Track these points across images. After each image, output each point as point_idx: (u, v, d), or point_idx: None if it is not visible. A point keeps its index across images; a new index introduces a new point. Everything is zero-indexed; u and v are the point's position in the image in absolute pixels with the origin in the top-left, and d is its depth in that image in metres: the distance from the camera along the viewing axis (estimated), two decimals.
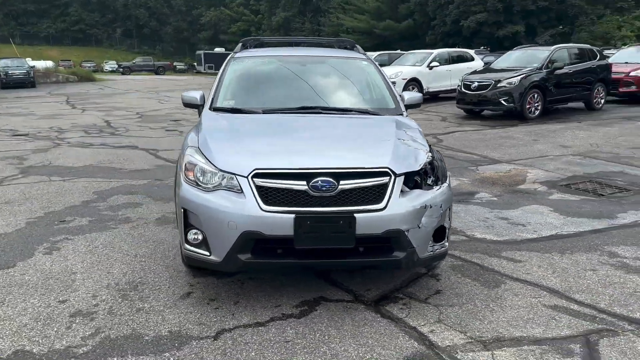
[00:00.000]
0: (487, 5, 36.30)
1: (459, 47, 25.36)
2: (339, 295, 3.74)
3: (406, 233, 3.35)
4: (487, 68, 15.30)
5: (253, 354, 2.98)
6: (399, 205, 3.35)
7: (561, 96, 14.00)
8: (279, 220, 3.25)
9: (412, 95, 4.91)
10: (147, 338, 3.15)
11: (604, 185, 6.96)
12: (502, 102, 13.16)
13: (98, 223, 5.37)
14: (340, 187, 3.31)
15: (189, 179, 3.55)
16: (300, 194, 3.30)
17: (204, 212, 3.38)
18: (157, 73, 54.95)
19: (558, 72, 13.68)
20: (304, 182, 3.29)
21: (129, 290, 3.79)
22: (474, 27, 37.26)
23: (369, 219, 3.28)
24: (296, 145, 3.72)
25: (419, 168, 3.57)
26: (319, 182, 3.29)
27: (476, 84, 13.56)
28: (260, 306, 3.56)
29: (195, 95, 4.85)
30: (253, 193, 3.30)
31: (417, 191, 3.49)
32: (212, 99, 4.61)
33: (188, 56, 72.39)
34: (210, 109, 4.49)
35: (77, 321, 3.35)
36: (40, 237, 4.96)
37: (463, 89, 13.94)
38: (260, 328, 3.27)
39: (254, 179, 3.33)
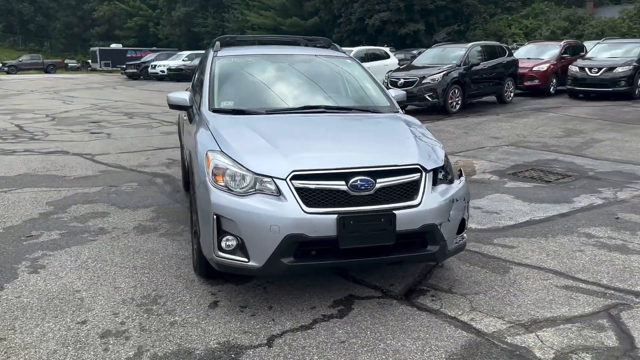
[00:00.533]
0: (389, 4, 37.61)
1: (364, 45, 26.16)
2: (367, 292, 3.78)
3: (439, 227, 3.47)
4: (409, 65, 15.93)
5: (316, 357, 2.96)
6: (432, 200, 3.46)
7: (478, 91, 14.94)
8: (322, 221, 3.23)
9: (398, 93, 5.04)
10: (198, 352, 3.01)
11: (546, 173, 7.56)
12: (427, 97, 13.78)
13: (72, 236, 4.98)
14: (377, 185, 3.35)
15: (218, 184, 3.42)
16: (341, 194, 3.30)
17: (241, 218, 3.28)
18: (47, 72, 51.08)
19: (475, 68, 14.58)
20: (343, 182, 3.30)
21: (149, 305, 3.57)
22: (378, 25, 38.48)
23: (407, 216, 3.36)
24: (324, 145, 3.71)
25: (443, 164, 3.71)
26: (358, 181, 3.32)
27: (402, 80, 14.07)
28: (296, 309, 3.51)
29: (183, 96, 4.66)
30: (294, 195, 3.26)
31: (442, 186, 3.62)
32: (209, 100, 4.44)
33: (81, 53, 68.02)
34: (210, 110, 4.32)
35: (112, 342, 3.11)
36: (14, 254, 4.51)
37: (390, 86, 14.41)
38: (308, 331, 3.24)
39: (293, 181, 3.28)
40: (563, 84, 17.13)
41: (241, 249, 3.34)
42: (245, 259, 3.33)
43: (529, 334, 3.20)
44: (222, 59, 4.98)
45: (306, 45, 5.82)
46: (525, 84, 17.22)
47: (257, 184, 3.34)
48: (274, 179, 3.31)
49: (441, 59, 15.04)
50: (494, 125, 11.94)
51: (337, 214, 3.25)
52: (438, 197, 3.50)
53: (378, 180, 3.36)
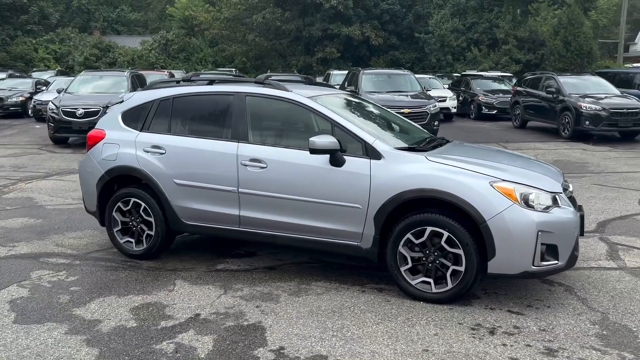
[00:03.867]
0: None
1: None
2: None
3: None
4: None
5: None
6: None
7: None
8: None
9: None
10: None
11: None
12: None
13: None
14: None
15: (523, 204, 3.86)
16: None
17: (559, 228, 3.91)
18: None
19: None
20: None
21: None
22: None
23: None
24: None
25: None
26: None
27: None
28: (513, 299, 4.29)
29: (331, 139, 4.21)
30: (567, 203, 4.14)
31: None
32: (372, 140, 4.33)
33: None
34: (394, 148, 4.33)
35: None
36: None
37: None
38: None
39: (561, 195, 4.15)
40: None
41: (553, 253, 3.94)
42: (556, 261, 3.96)
43: None
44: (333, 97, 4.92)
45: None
46: None
47: (551, 200, 4.02)
48: (557, 194, 4.09)
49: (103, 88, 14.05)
50: None
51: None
52: None
53: None
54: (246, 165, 4.61)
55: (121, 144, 5.16)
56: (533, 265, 3.88)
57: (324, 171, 4.34)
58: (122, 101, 5.49)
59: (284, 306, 4.09)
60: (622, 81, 15.95)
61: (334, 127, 4.45)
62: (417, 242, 4.07)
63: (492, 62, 31.50)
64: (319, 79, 16.68)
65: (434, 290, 4.07)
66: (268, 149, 4.63)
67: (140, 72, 16.86)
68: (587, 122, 13.10)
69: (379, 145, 4.28)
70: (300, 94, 4.73)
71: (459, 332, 3.65)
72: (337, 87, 17.34)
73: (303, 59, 35.09)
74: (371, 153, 4.26)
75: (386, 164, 4.20)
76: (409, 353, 3.38)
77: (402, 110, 11.41)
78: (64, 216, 6.69)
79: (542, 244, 3.87)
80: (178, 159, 4.91)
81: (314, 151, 4.27)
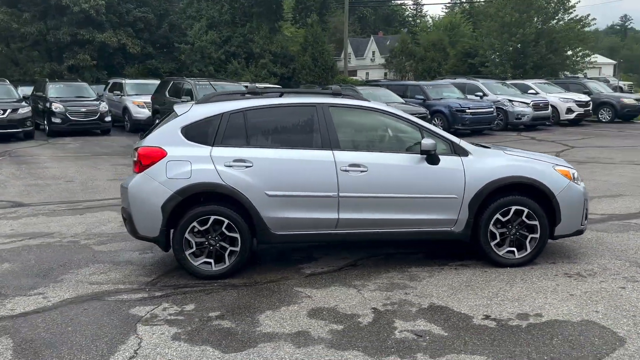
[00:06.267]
0: None
1: None
2: None
3: None
4: None
5: None
6: None
7: None
8: None
9: None
10: None
11: None
12: None
13: None
14: None
15: (574, 180, 5.29)
16: None
17: (587, 196, 5.44)
18: None
19: None
20: None
21: None
22: None
23: None
24: None
25: None
26: None
27: None
28: None
29: (433, 142, 4.99)
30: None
31: None
32: (457, 140, 5.21)
33: None
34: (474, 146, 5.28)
35: None
36: None
37: None
38: None
39: None
40: None
41: (587, 215, 5.47)
42: (587, 221, 5.50)
43: None
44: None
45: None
46: None
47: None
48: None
49: None
50: None
51: None
52: None
53: None
54: (347, 171, 4.99)
55: (193, 161, 4.88)
56: (581, 225, 5.37)
57: (423, 169, 5.08)
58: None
59: (430, 285, 4.72)
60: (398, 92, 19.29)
61: (422, 131, 5.20)
62: (503, 220, 5.16)
63: (252, 74, 33.54)
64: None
65: (517, 256, 5.22)
66: (365, 154, 5.11)
67: None
68: None
69: (464, 144, 5.22)
70: (379, 104, 5.33)
71: (569, 280, 4.86)
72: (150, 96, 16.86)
73: (49, 66, 31.38)
74: (459, 151, 5.18)
75: (475, 158, 5.17)
76: (561, 299, 4.47)
77: None
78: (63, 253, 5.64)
79: (585, 208, 5.39)
80: (268, 170, 4.95)
81: (424, 152, 4.99)
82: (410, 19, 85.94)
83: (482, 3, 42.64)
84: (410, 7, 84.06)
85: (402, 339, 3.80)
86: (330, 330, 3.92)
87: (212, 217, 4.88)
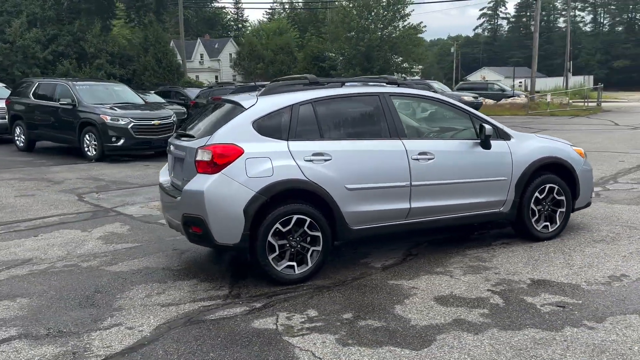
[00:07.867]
0: None
1: None
2: None
3: None
4: None
5: None
6: None
7: None
8: None
9: None
10: None
11: None
12: None
13: None
14: None
15: (586, 159, 5.95)
16: None
17: None
18: None
19: None
20: None
21: None
22: None
23: None
24: None
25: None
26: None
27: None
28: None
29: (491, 127, 5.24)
30: None
31: None
32: (501, 125, 5.49)
33: None
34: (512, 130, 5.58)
35: None
36: None
37: None
38: None
39: None
40: None
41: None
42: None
43: None
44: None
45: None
46: None
47: None
48: None
49: None
50: None
51: None
52: None
53: None
54: (417, 159, 4.99)
55: (273, 157, 4.45)
56: (590, 197, 6.07)
57: (479, 154, 5.29)
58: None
59: (506, 263, 4.93)
60: None
61: (473, 118, 5.40)
62: (541, 197, 5.62)
63: (87, 75, 30.57)
64: None
65: (550, 230, 5.72)
66: (430, 142, 5.18)
67: None
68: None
69: (507, 129, 5.56)
70: (435, 93, 5.41)
71: (608, 245, 5.47)
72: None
73: None
74: (503, 135, 5.49)
75: (517, 142, 5.53)
76: (614, 259, 5.04)
77: None
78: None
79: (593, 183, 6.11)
80: (347, 163, 4.72)
81: (487, 137, 5.19)
82: (232, 23, 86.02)
83: (304, 10, 44.57)
84: (231, 11, 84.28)
85: (552, 311, 3.95)
86: (481, 314, 3.92)
87: (295, 217, 4.50)
